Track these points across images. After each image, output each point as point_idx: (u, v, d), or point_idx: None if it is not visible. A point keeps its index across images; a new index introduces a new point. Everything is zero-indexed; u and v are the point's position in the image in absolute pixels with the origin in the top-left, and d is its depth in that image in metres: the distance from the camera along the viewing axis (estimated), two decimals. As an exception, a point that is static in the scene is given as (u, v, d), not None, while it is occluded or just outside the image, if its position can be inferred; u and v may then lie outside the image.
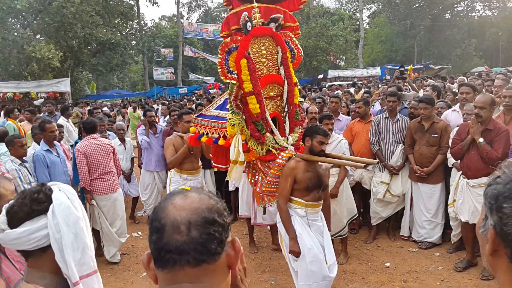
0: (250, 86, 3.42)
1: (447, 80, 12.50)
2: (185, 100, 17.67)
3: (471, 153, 4.31)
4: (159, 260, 0.93)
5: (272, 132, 3.66)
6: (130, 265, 5.13)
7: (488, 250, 0.90)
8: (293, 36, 3.89)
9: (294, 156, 3.56)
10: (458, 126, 4.67)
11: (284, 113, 3.80)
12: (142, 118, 7.61)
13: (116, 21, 27.88)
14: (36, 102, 18.37)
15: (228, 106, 3.76)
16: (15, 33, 21.80)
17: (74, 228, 1.45)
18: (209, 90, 21.31)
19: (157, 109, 14.07)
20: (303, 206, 3.53)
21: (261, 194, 3.95)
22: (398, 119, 5.34)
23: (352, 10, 46.09)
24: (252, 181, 3.88)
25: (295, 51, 3.88)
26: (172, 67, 36.28)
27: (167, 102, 14.86)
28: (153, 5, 33.01)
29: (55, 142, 5.11)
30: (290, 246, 3.45)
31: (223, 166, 4.24)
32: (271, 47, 3.69)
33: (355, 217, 5.18)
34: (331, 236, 4.83)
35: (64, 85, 20.69)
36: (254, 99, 3.45)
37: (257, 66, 3.59)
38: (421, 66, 27.37)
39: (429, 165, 4.93)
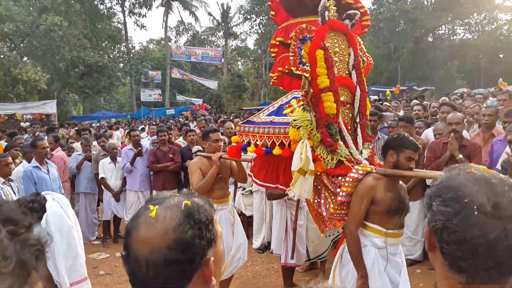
0: (327, 81, 2.85)
1: (428, 100, 12.81)
2: (171, 121, 17.73)
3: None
4: (132, 284, 0.96)
5: (345, 141, 3.05)
6: (113, 285, 5.07)
7: (426, 246, 0.98)
8: (361, 42, 3.49)
9: (374, 170, 2.85)
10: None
11: (356, 124, 3.21)
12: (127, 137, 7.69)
13: (104, 44, 28.10)
14: (23, 124, 18.24)
15: (295, 106, 3.20)
16: (1, 56, 21.77)
17: (67, 237, 1.49)
18: (195, 112, 21.43)
19: (142, 128, 14.11)
20: (382, 235, 2.82)
21: (326, 218, 3.10)
22: (378, 137, 5.45)
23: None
24: (316, 201, 3.06)
25: (364, 58, 3.44)
26: (160, 89, 36.51)
27: (156, 123, 14.92)
28: (140, 28, 33.48)
29: (48, 160, 5.14)
30: (359, 286, 2.77)
31: (272, 185, 3.39)
32: (343, 46, 3.19)
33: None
34: (315, 259, 4.89)
35: (50, 107, 20.61)
36: (332, 96, 2.85)
37: None
38: (405, 87, 27.98)
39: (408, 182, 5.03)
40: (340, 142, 2.99)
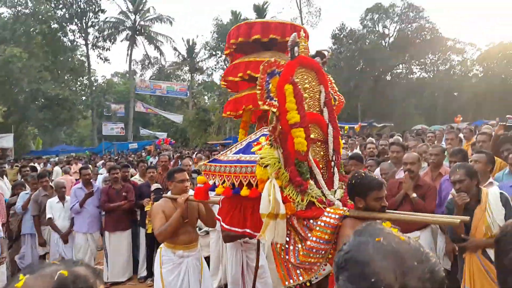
0: (298, 116, 2.69)
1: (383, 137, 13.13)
2: (133, 155, 17.34)
3: (404, 207, 4.46)
4: None
5: (316, 181, 2.84)
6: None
7: None
8: (333, 80, 3.34)
9: (347, 213, 2.65)
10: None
11: (333, 163, 3.02)
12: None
13: (65, 77, 27.60)
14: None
15: (263, 143, 3.00)
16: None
17: None
18: (159, 146, 21.11)
19: (103, 163, 13.69)
20: None
21: (291, 268, 2.81)
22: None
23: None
24: (283, 248, 2.80)
25: (336, 96, 3.30)
26: (123, 123, 35.91)
27: (115, 158, 14.52)
28: (104, 62, 33.17)
29: None
30: None
31: (239, 230, 3.13)
32: (314, 83, 3.06)
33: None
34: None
35: (6, 141, 19.85)
36: (302, 132, 2.68)
37: None
38: (365, 124, 28.83)
39: (361, 220, 5.05)
40: (311, 182, 2.77)
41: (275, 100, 2.75)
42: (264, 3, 38.67)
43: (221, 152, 3.56)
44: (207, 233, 5.81)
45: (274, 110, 2.73)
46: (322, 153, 3.03)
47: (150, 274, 6.15)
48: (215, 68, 43.14)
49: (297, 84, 2.82)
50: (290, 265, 2.78)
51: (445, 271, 3.38)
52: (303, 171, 2.69)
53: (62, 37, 29.45)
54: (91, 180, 6.60)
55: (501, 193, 3.41)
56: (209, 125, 30.50)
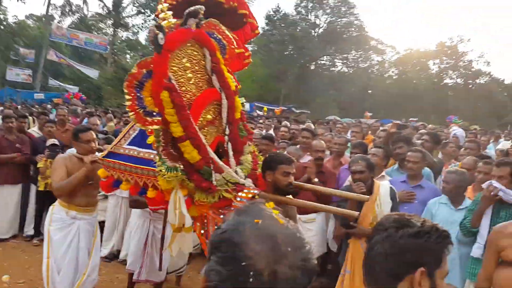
0: (180, 129, 2.43)
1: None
2: (37, 106, 15.97)
3: (306, 191, 4.66)
4: None
5: (220, 169, 2.71)
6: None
7: None
8: (218, 23, 2.91)
9: (257, 197, 2.63)
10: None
11: (226, 138, 2.84)
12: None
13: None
14: None
15: (157, 158, 2.60)
16: None
17: None
18: (68, 100, 19.71)
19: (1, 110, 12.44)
20: None
21: None
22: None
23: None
24: (202, 232, 2.73)
25: (224, 42, 2.90)
26: (31, 70, 32.80)
27: (15, 107, 13.25)
28: (18, 0, 29.79)
29: None
30: None
31: (162, 206, 2.99)
32: (195, 52, 2.70)
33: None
34: (172, 272, 4.68)
35: None
36: (189, 145, 2.47)
37: (183, 88, 2.58)
38: (285, 108, 29.64)
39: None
40: (217, 175, 2.61)
41: (155, 114, 2.44)
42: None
43: (115, 142, 3.21)
44: (106, 197, 5.56)
45: (157, 127, 2.47)
46: (223, 126, 2.88)
47: (38, 233, 5.79)
48: (142, 27, 41.03)
49: (177, 72, 2.54)
50: None
51: (331, 253, 3.60)
52: (206, 176, 2.55)
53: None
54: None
55: (390, 188, 3.69)
56: (127, 86, 29.03)
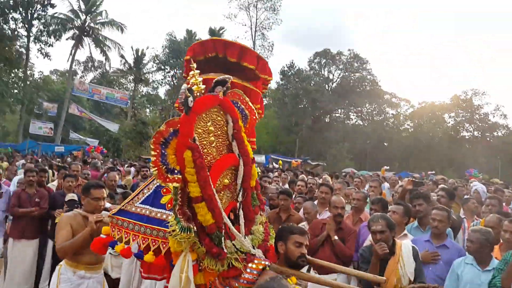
0: (198, 190, 2.43)
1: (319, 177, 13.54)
2: (58, 159, 16.32)
3: (324, 248, 4.55)
4: None
5: (232, 236, 2.66)
6: None
7: None
8: (242, 93, 3.05)
9: (267, 268, 2.53)
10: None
11: (238, 204, 2.82)
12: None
13: (-1, 66, 25.78)
14: None
15: (170, 218, 2.59)
16: None
17: None
18: (89, 153, 20.10)
19: (23, 164, 12.72)
20: None
21: None
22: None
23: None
24: None
25: (247, 112, 3.00)
26: (53, 123, 33.87)
27: (36, 160, 13.57)
28: (44, 57, 31.38)
29: None
30: None
31: (158, 277, 2.95)
32: (219, 118, 2.78)
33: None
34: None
35: None
36: (204, 207, 2.45)
37: (205, 150, 2.63)
38: (300, 160, 29.62)
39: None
40: (228, 242, 2.56)
41: (176, 172, 2.46)
42: (220, 28, 39.22)
43: (127, 200, 3.17)
44: (120, 253, 5.49)
45: (177, 185, 2.46)
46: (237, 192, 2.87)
47: (53, 288, 5.69)
48: (162, 82, 42.51)
49: (201, 135, 2.58)
50: None
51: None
52: (216, 241, 2.49)
53: (1, 24, 27.60)
54: (1, 181, 6.04)
55: (413, 247, 3.58)
56: (146, 139, 29.57)
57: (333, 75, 46.16)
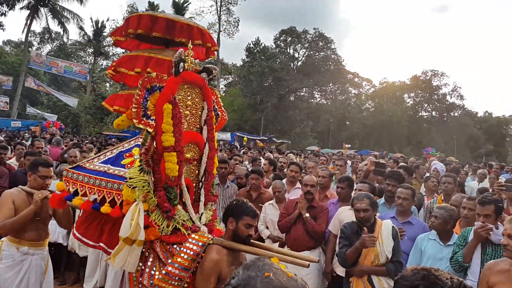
0: (172, 140, 2.61)
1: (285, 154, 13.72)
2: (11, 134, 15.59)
3: (297, 226, 4.62)
4: None
5: (184, 206, 2.83)
6: None
7: None
8: (219, 95, 3.33)
9: (211, 241, 2.68)
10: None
11: (200, 184, 3.04)
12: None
13: None
14: None
15: (136, 162, 2.75)
16: None
17: None
18: (47, 129, 19.33)
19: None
20: None
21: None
22: (227, 186, 5.63)
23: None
24: (139, 268, 2.69)
25: (219, 113, 3.29)
26: (8, 97, 32.20)
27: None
28: (-4, 27, 29.51)
29: None
30: None
31: (91, 243, 2.95)
32: (197, 99, 3.00)
33: None
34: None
35: None
36: (175, 157, 2.62)
37: None
38: (265, 138, 29.80)
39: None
40: (179, 207, 2.75)
41: (152, 119, 2.61)
42: (185, 1, 38.10)
43: (87, 158, 3.26)
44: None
45: (150, 130, 2.59)
46: (196, 172, 3.05)
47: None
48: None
49: (178, 102, 2.76)
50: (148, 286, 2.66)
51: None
52: (171, 196, 2.66)
53: None
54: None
55: (393, 227, 3.69)
56: (106, 115, 28.70)
57: (299, 53, 46.28)
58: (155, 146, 2.64)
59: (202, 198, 3.00)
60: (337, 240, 4.04)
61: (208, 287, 2.56)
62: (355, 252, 3.51)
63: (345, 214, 4.40)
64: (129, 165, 2.87)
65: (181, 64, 2.76)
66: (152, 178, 2.63)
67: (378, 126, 44.47)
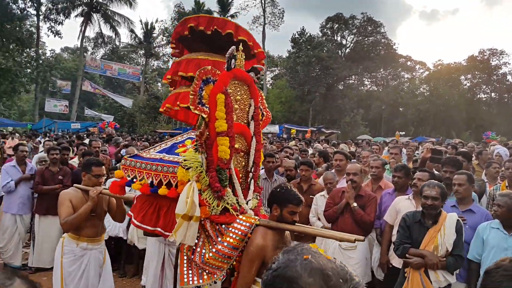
0: (225, 126, 2.83)
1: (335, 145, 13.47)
2: (74, 136, 16.48)
3: (344, 216, 4.54)
4: None
5: (233, 189, 3.02)
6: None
7: None
8: (264, 97, 3.53)
9: (258, 222, 2.84)
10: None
11: (250, 175, 3.23)
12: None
13: (11, 46, 25.83)
14: None
15: (189, 150, 2.98)
16: None
17: None
18: (102, 129, 20.26)
19: (40, 142, 12.93)
20: None
21: (194, 269, 2.91)
22: (275, 179, 5.60)
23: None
24: (190, 248, 2.90)
25: (264, 112, 3.48)
26: (67, 101, 34.15)
27: (54, 138, 13.74)
28: (55, 36, 31.33)
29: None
30: None
31: (150, 228, 3.12)
32: (245, 96, 3.21)
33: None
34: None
35: None
36: (227, 141, 2.84)
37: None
38: (315, 129, 29.46)
39: (307, 223, 5.10)
40: (228, 189, 2.93)
41: (206, 107, 2.81)
42: (229, -3, 38.33)
43: (144, 149, 3.54)
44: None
45: (204, 116, 2.80)
46: (243, 163, 3.23)
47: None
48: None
49: (230, 95, 2.94)
50: (194, 265, 2.87)
51: (374, 281, 3.50)
52: (222, 178, 2.85)
53: (11, 4, 27.49)
54: (26, 158, 6.14)
55: (458, 221, 3.52)
56: (159, 113, 29.69)
57: (346, 40, 45.13)
58: (207, 132, 2.83)
59: (252, 187, 3.20)
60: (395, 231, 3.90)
61: (251, 271, 2.71)
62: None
63: (403, 204, 4.26)
64: (182, 153, 3.04)
65: (233, 60, 2.95)
66: (205, 159, 2.83)
67: (433, 111, 42.43)
